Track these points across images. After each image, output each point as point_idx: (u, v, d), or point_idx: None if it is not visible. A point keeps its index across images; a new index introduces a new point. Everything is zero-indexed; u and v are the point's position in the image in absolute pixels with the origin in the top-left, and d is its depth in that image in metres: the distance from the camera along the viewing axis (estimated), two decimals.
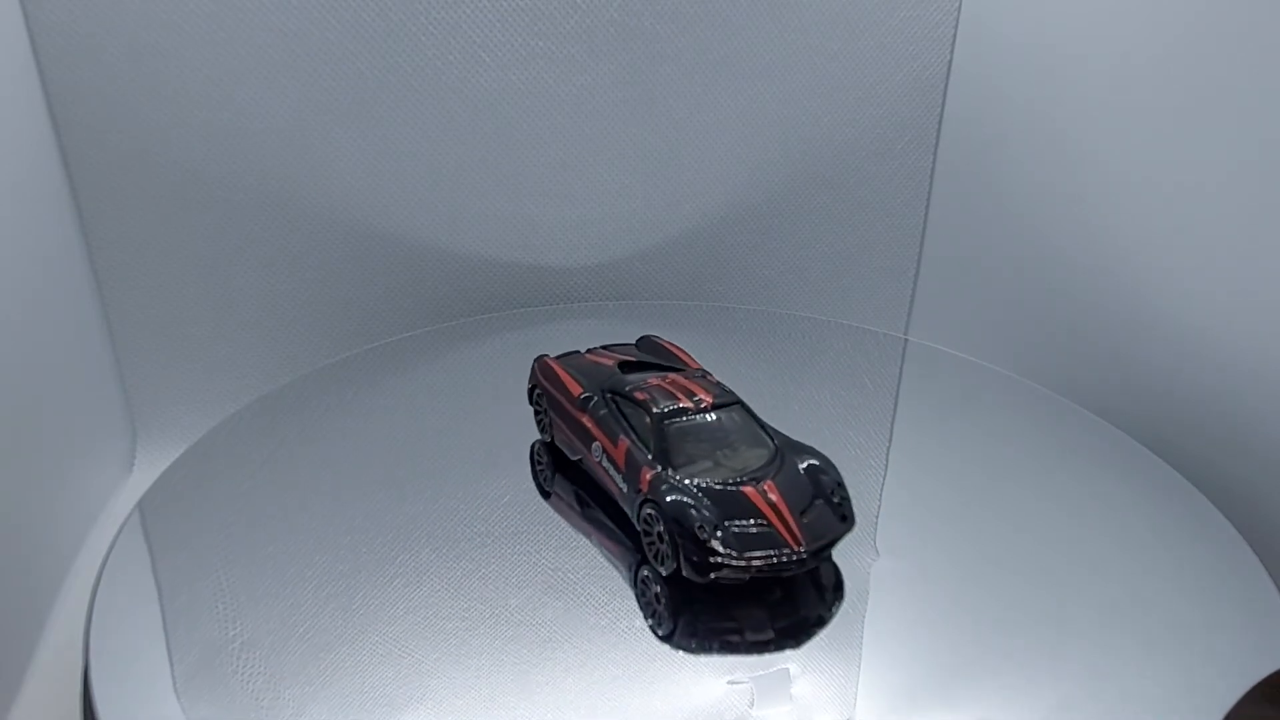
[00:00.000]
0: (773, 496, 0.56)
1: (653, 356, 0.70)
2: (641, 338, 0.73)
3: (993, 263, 0.97)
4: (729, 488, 0.56)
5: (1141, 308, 0.83)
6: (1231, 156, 0.74)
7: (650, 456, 0.59)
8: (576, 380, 0.67)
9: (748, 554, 0.54)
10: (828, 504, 0.58)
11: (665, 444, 0.59)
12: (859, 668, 0.55)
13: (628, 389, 0.63)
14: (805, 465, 0.59)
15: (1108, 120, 0.83)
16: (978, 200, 0.97)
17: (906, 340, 0.93)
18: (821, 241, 1.02)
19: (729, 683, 0.54)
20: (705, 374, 0.65)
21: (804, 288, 1.04)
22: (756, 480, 0.57)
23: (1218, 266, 0.77)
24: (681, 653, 0.56)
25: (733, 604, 0.57)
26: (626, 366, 0.68)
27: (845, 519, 0.58)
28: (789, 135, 0.96)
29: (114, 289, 0.90)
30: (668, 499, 0.56)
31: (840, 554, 0.62)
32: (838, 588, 0.59)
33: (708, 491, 0.56)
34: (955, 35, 0.94)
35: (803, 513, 0.56)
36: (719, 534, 0.55)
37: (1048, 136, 0.89)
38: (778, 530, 0.55)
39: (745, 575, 0.55)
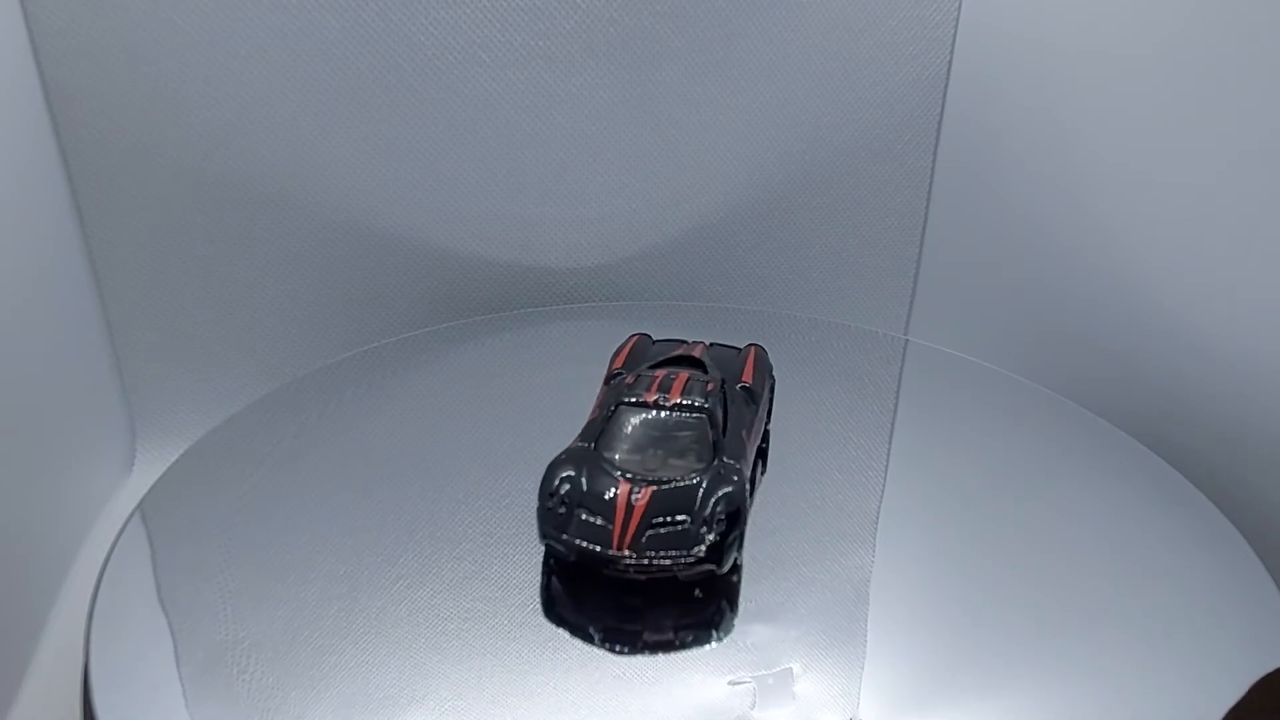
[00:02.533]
0: (637, 501, 0.56)
1: (719, 360, 0.69)
2: (751, 344, 0.72)
3: (993, 263, 0.97)
4: (616, 478, 0.58)
5: (1142, 307, 0.83)
6: (1232, 156, 0.74)
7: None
8: (624, 357, 0.69)
9: (569, 536, 0.56)
10: (697, 534, 0.56)
11: (606, 424, 0.61)
12: (862, 668, 0.55)
13: (637, 371, 0.64)
14: (717, 493, 0.56)
15: (1108, 120, 0.83)
16: (978, 200, 0.97)
17: (907, 340, 0.93)
18: (821, 241, 1.02)
19: (731, 683, 0.54)
20: (728, 383, 0.64)
21: (804, 288, 1.04)
22: (648, 484, 0.57)
23: (1219, 266, 0.77)
24: (682, 653, 0.56)
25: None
26: (681, 361, 0.68)
27: (702, 559, 0.56)
28: (789, 135, 0.96)
29: (114, 289, 0.90)
30: (551, 464, 0.59)
31: (841, 554, 0.62)
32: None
33: (592, 474, 0.58)
34: (955, 35, 0.94)
35: (656, 528, 0.56)
36: (561, 509, 0.57)
37: (1048, 136, 0.89)
38: (613, 531, 0.56)
39: (569, 555, 0.57)
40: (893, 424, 0.77)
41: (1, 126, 0.75)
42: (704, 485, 0.57)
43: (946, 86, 0.96)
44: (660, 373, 0.65)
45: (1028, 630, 0.58)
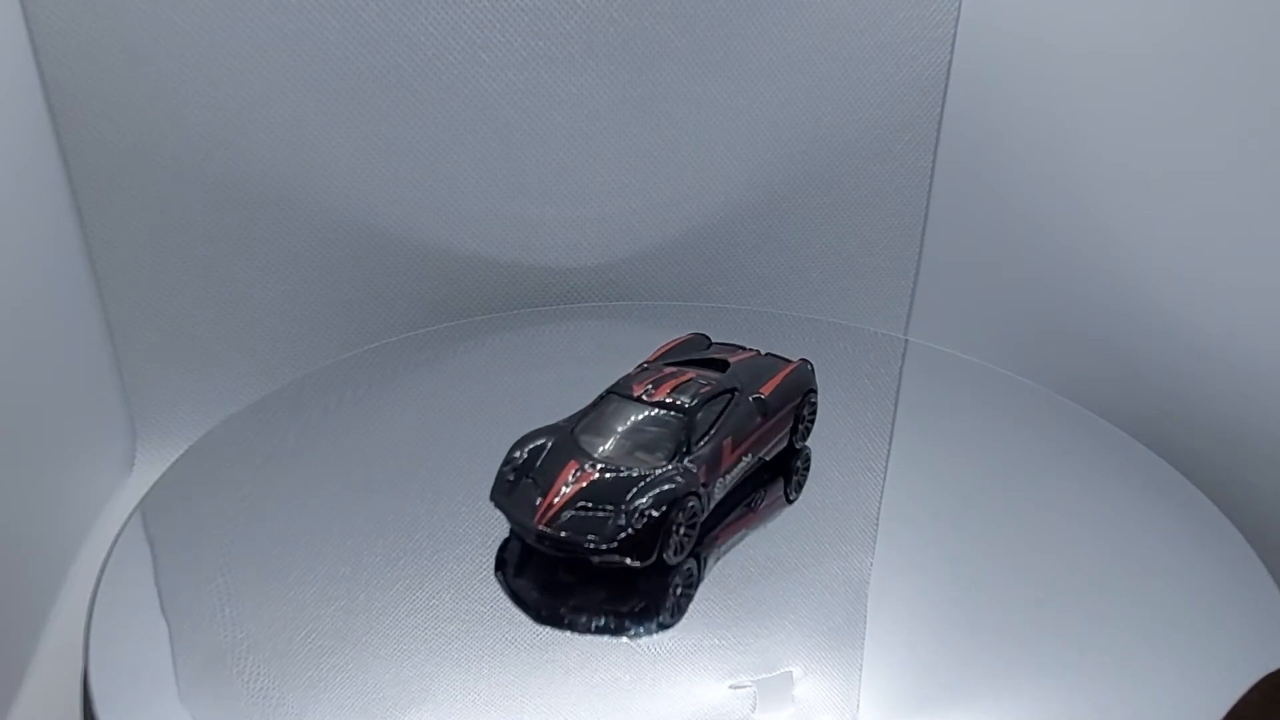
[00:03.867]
0: (571, 480, 0.58)
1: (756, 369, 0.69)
2: (801, 359, 0.72)
3: (993, 262, 0.97)
4: (569, 458, 0.60)
5: (1142, 307, 0.83)
6: (1232, 156, 0.74)
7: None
8: (662, 352, 0.71)
9: (506, 501, 0.60)
10: (615, 524, 0.57)
11: (589, 410, 0.63)
12: (861, 670, 0.55)
13: (653, 364, 0.67)
14: (652, 491, 0.57)
15: (1108, 120, 0.83)
16: (978, 200, 0.97)
17: (907, 340, 0.93)
18: (821, 241, 1.02)
19: (731, 686, 0.54)
20: (742, 392, 0.65)
21: (804, 288, 1.04)
22: (597, 469, 0.59)
23: (1218, 266, 0.77)
24: (683, 655, 0.56)
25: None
26: (707, 363, 0.68)
27: (614, 550, 0.57)
28: (789, 135, 0.96)
29: (114, 289, 0.90)
30: (525, 434, 0.62)
31: (841, 555, 0.62)
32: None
33: (554, 451, 0.61)
34: (955, 35, 0.94)
35: (580, 511, 0.57)
36: (511, 476, 0.61)
37: (1048, 136, 0.89)
38: (539, 504, 0.58)
39: (508, 521, 0.60)
40: (893, 424, 0.77)
41: (1, 126, 0.75)
42: (643, 481, 0.58)
43: (946, 86, 0.96)
44: (668, 370, 0.66)
45: (1028, 630, 0.58)
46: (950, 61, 0.95)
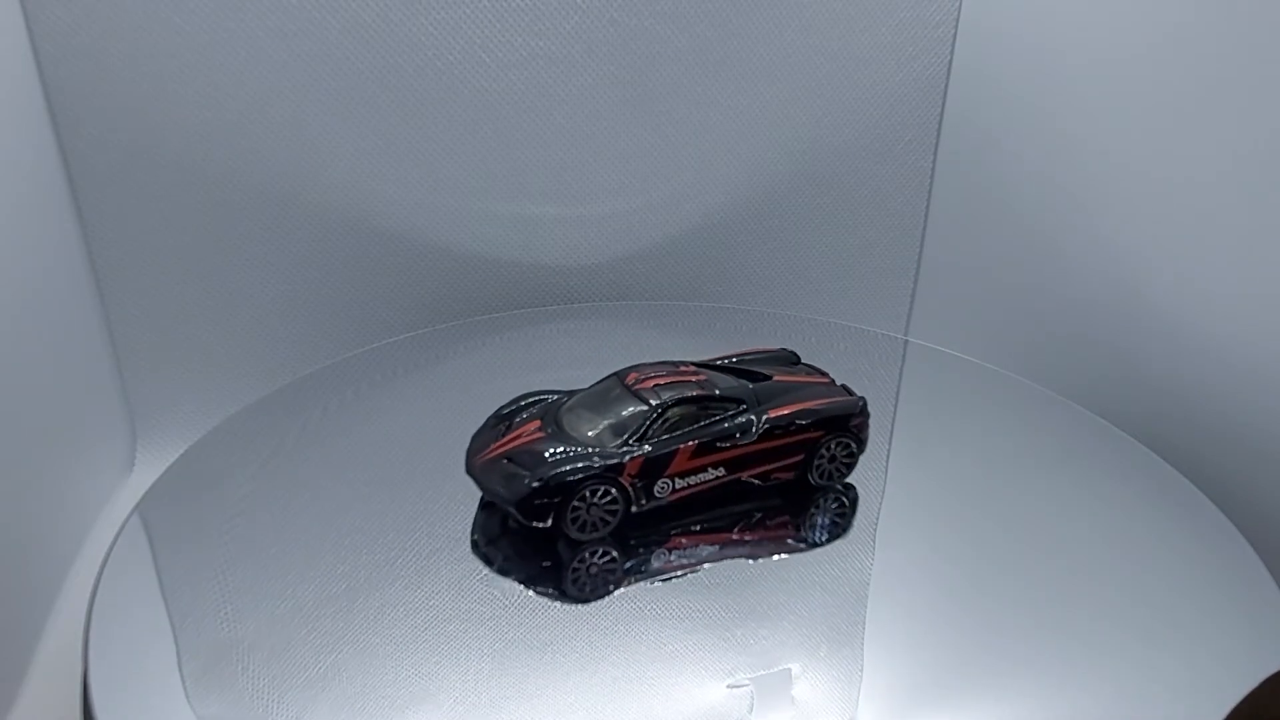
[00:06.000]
0: (522, 437, 0.63)
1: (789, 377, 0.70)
2: (859, 401, 0.69)
3: (993, 263, 0.97)
4: (535, 419, 0.65)
5: (1141, 307, 0.83)
6: (1231, 156, 0.74)
7: None
8: (739, 355, 0.72)
9: (472, 441, 0.66)
10: (521, 485, 0.60)
11: (585, 391, 0.66)
12: (860, 669, 0.55)
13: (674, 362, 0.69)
14: (562, 466, 0.60)
15: (1108, 120, 0.83)
16: (978, 200, 0.97)
17: (906, 340, 0.93)
18: (821, 241, 1.02)
19: (730, 686, 0.54)
20: (746, 409, 0.64)
21: (804, 288, 1.04)
22: (552, 437, 0.63)
23: (1218, 266, 0.77)
24: (682, 655, 0.56)
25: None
26: (756, 376, 0.68)
27: (510, 502, 0.61)
28: (789, 135, 0.96)
29: (114, 289, 0.90)
30: (532, 391, 0.69)
31: (840, 555, 0.62)
32: None
33: (535, 411, 0.66)
34: (955, 35, 0.94)
35: (507, 464, 0.62)
36: (493, 420, 0.67)
37: (1048, 136, 0.89)
38: (486, 449, 0.64)
39: None
40: (893, 424, 0.77)
41: (1, 126, 0.75)
42: (565, 455, 0.61)
43: (946, 86, 0.96)
44: (683, 367, 0.66)
45: (1028, 630, 0.58)
46: (950, 61, 0.95)
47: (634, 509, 0.62)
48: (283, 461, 0.72)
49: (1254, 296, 0.74)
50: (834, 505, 0.68)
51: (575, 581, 0.60)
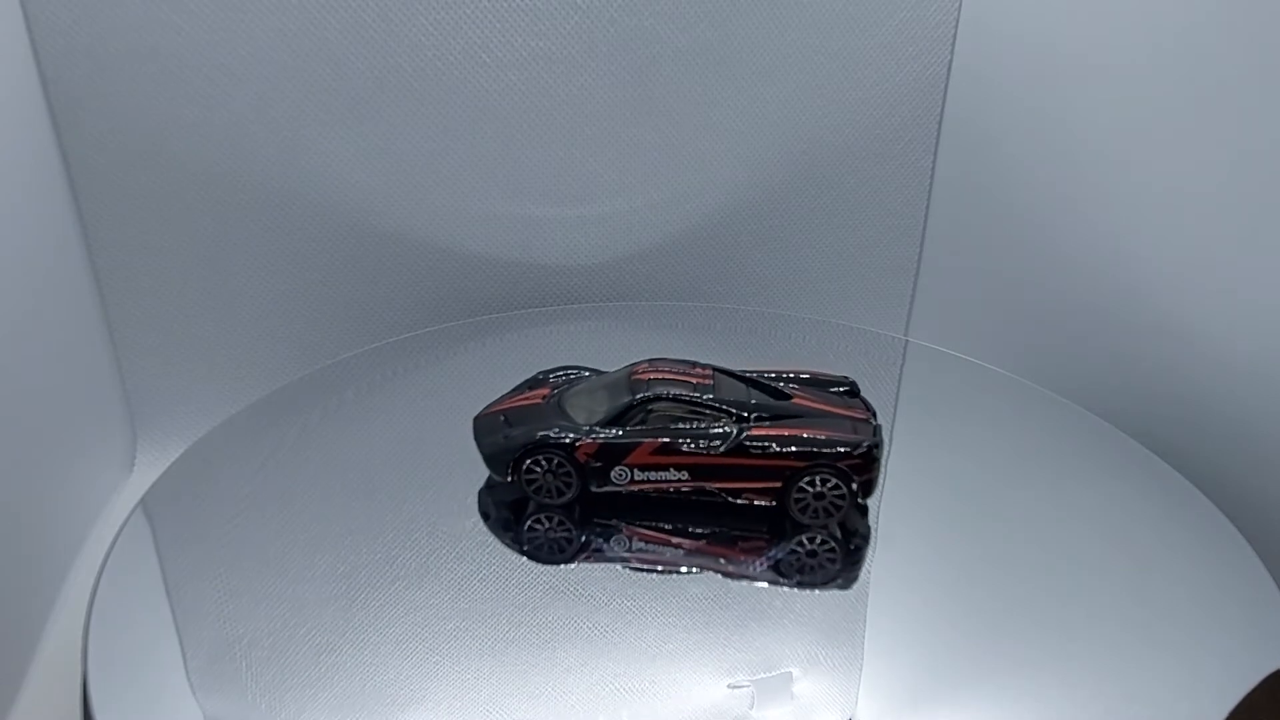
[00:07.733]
0: (527, 400, 0.68)
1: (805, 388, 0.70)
2: (872, 450, 0.65)
3: (993, 263, 0.97)
4: (546, 389, 0.70)
5: (1142, 307, 0.83)
6: (1232, 156, 0.74)
7: None
8: (793, 372, 0.73)
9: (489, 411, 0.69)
10: (496, 438, 0.66)
11: (604, 374, 0.69)
12: (860, 669, 0.55)
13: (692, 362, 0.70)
14: (535, 433, 0.64)
15: (1108, 120, 0.83)
16: (978, 200, 0.97)
17: (907, 340, 0.93)
18: (821, 241, 1.02)
19: (729, 685, 0.54)
20: (742, 418, 0.64)
21: (804, 288, 1.04)
22: (549, 405, 0.67)
23: (1218, 266, 0.77)
24: (682, 654, 0.56)
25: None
26: (772, 391, 0.68)
27: (483, 451, 0.66)
28: (789, 135, 0.96)
29: (114, 289, 0.90)
30: (571, 365, 0.74)
31: (840, 555, 0.62)
32: None
33: (553, 383, 0.71)
34: (955, 35, 0.94)
35: (503, 422, 0.66)
36: (524, 386, 0.71)
37: (1048, 136, 0.89)
38: (499, 402, 0.69)
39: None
40: (893, 424, 0.77)
41: (1, 126, 0.75)
42: (540, 422, 0.65)
43: (946, 86, 0.96)
44: (698, 368, 0.67)
45: (1028, 630, 0.58)
46: (950, 61, 0.95)
47: (593, 488, 0.65)
48: (283, 461, 0.72)
49: (1254, 296, 0.74)
50: (819, 542, 0.64)
51: (576, 581, 0.61)
